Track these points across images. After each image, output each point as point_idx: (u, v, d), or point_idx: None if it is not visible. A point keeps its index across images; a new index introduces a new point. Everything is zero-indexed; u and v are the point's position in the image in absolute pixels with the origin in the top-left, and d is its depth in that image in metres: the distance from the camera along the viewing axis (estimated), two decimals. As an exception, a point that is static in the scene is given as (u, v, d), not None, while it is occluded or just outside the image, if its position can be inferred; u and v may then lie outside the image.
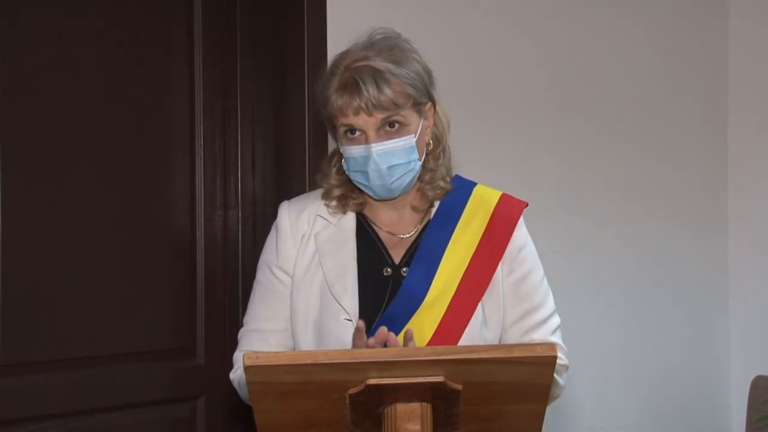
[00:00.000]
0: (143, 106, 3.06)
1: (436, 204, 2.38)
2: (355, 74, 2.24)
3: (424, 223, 2.38)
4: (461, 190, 2.40)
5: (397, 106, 2.24)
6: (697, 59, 4.27)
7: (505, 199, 2.39)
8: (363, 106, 2.22)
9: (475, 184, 2.42)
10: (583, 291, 3.89)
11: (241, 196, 3.23)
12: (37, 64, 2.90)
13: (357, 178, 2.31)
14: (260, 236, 3.14)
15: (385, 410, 1.94)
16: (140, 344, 3.05)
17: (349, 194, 2.38)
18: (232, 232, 3.22)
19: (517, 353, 1.91)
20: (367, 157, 2.26)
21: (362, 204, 2.39)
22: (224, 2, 3.20)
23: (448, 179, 2.39)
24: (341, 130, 2.28)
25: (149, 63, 3.07)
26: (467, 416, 1.97)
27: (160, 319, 3.09)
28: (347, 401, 1.92)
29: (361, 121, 2.25)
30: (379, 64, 2.24)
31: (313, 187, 3.07)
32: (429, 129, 2.35)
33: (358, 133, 2.26)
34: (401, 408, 1.93)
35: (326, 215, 2.39)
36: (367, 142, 2.26)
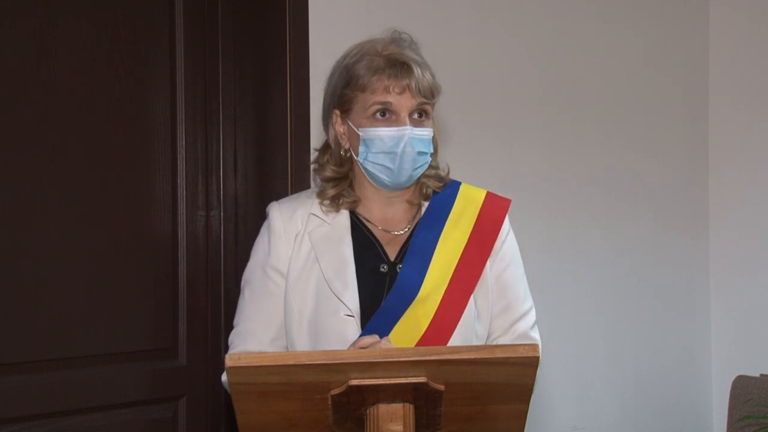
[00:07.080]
0: (125, 107, 3.05)
1: (426, 203, 2.40)
2: (401, 58, 2.28)
3: (415, 221, 2.39)
4: (448, 188, 2.42)
5: (433, 96, 2.31)
6: (678, 60, 4.29)
7: (490, 198, 2.42)
8: (413, 85, 2.27)
9: (460, 183, 2.44)
10: (565, 291, 3.90)
11: (223, 197, 3.22)
12: (19, 63, 2.88)
13: (379, 159, 2.29)
14: (242, 236, 3.14)
15: (368, 411, 1.94)
16: (122, 345, 3.05)
17: (341, 193, 2.37)
18: (214, 232, 3.21)
19: (499, 354, 1.91)
20: (399, 139, 2.27)
21: (355, 202, 2.39)
22: (206, 2, 3.19)
23: (445, 172, 2.44)
24: (372, 109, 2.28)
25: (131, 63, 3.06)
26: (450, 417, 1.97)
27: (141, 320, 3.08)
28: (329, 402, 1.92)
29: (403, 101, 2.27)
30: (416, 57, 2.31)
31: (294, 187, 3.08)
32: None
33: (388, 114, 2.28)
34: (383, 408, 1.93)
35: (320, 214, 2.37)
36: (398, 124, 2.27)
